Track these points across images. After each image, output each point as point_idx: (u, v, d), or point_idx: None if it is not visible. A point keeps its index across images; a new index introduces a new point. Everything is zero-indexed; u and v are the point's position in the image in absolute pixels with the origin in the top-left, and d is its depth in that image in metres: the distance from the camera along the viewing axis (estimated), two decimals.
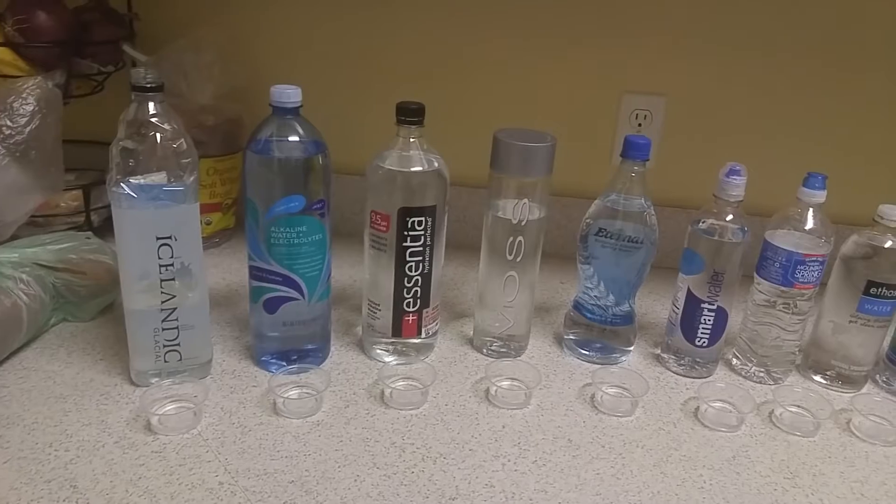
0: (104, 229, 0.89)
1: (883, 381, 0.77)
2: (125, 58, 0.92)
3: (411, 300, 0.72)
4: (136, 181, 0.63)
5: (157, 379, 0.68)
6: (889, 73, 0.91)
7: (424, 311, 0.73)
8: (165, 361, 0.68)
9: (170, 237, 0.65)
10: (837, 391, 0.76)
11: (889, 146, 0.95)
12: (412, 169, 0.69)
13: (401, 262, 0.70)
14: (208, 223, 0.97)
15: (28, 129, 0.82)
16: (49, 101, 0.84)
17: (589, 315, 0.77)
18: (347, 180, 0.93)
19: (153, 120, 0.63)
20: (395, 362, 0.74)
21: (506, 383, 0.72)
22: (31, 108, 0.83)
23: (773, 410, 0.71)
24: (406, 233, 0.69)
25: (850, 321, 0.73)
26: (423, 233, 0.70)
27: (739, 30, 0.92)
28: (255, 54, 0.99)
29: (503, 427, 0.67)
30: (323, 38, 0.99)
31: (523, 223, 0.71)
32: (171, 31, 0.92)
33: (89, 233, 0.81)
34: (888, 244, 0.71)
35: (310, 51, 1.00)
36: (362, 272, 0.74)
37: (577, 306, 0.78)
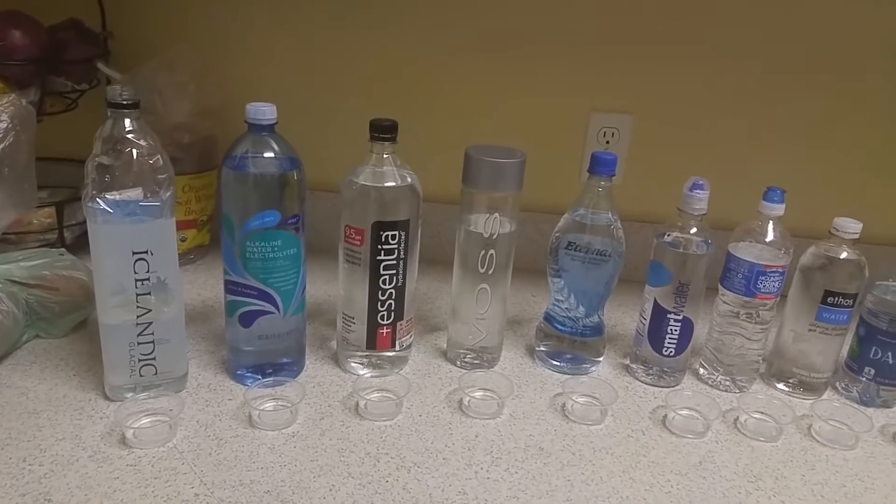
0: (77, 246, 0.89)
1: (842, 387, 0.79)
2: (100, 76, 0.92)
3: (385, 313, 0.73)
4: (112, 196, 0.63)
5: (131, 393, 0.68)
6: (843, 93, 0.96)
7: (398, 323, 0.75)
8: (141, 376, 0.68)
9: (146, 252, 0.65)
10: (799, 398, 0.78)
11: (843, 162, 0.99)
12: (386, 184, 0.70)
13: (375, 276, 0.72)
14: (183, 240, 0.97)
15: (1, 146, 0.83)
16: (23, 119, 0.84)
17: (560, 327, 0.79)
18: (321, 197, 0.94)
19: (129, 136, 0.64)
20: (369, 375, 0.75)
21: (479, 394, 0.73)
22: (5, 125, 0.83)
23: (738, 417, 0.73)
24: (380, 246, 0.70)
25: (810, 330, 0.76)
26: (396, 246, 0.71)
27: (702, 50, 0.96)
28: (229, 73, 1.00)
29: (476, 436, 0.68)
30: (296, 56, 1.01)
31: (494, 237, 0.73)
32: (146, 50, 0.94)
33: (62, 249, 0.81)
34: (843, 255, 0.74)
35: (283, 69, 1.02)
36: (336, 288, 0.75)
37: (548, 318, 0.80)
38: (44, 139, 0.87)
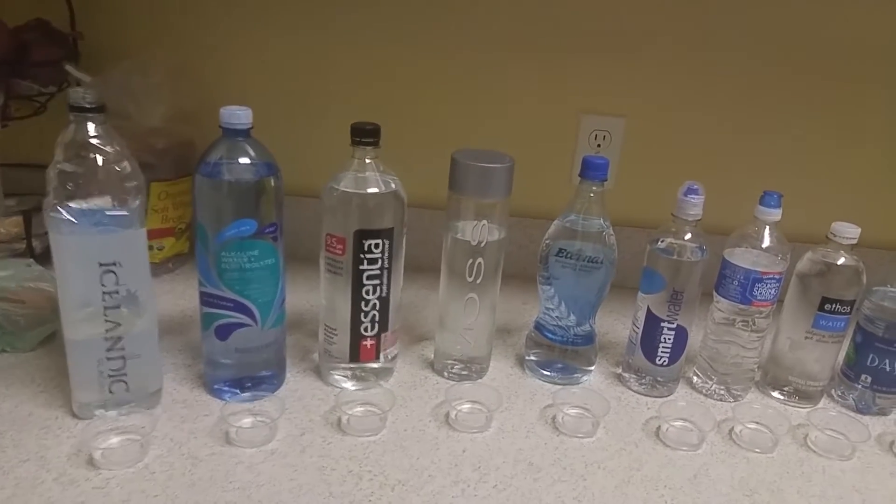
0: (46, 257, 0.84)
1: (838, 395, 0.78)
2: (69, 79, 0.88)
3: (369, 324, 0.70)
4: (78, 206, 0.60)
5: (101, 411, 0.65)
6: (842, 97, 0.93)
7: (383, 335, 0.72)
8: (111, 392, 0.65)
9: (114, 264, 0.62)
10: (795, 406, 0.76)
11: (841, 165, 0.97)
12: (368, 191, 0.67)
13: (357, 286, 0.69)
14: (161, 248, 0.94)
15: None
16: None
17: (550, 336, 0.76)
18: (305, 202, 0.91)
19: (93, 142, 0.60)
20: (353, 388, 0.72)
21: (466, 406, 0.71)
22: None
23: (732, 428, 0.71)
24: (363, 256, 0.68)
25: (806, 337, 0.74)
26: (380, 256, 0.68)
27: (697, 51, 0.93)
28: (205, 75, 0.97)
29: (463, 451, 0.65)
30: (276, 57, 0.97)
31: (482, 245, 0.70)
32: (117, 52, 0.90)
33: (31, 260, 0.78)
34: (841, 261, 0.72)
35: (263, 71, 0.98)
36: (319, 297, 0.72)
37: (539, 327, 0.78)
38: (11, 144, 0.84)
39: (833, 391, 0.78)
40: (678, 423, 0.70)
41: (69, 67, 0.86)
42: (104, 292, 0.62)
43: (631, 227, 0.97)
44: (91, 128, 0.60)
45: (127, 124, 0.87)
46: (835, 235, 0.71)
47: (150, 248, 0.92)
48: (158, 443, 0.63)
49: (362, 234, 0.67)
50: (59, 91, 0.90)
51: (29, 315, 0.73)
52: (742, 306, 0.72)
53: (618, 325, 0.92)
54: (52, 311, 0.73)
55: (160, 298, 0.89)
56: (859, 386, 0.75)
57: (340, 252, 0.68)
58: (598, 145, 0.97)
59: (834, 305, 0.72)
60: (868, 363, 0.74)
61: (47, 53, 0.85)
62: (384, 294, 0.70)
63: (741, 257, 0.72)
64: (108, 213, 0.61)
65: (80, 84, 0.86)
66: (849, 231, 0.71)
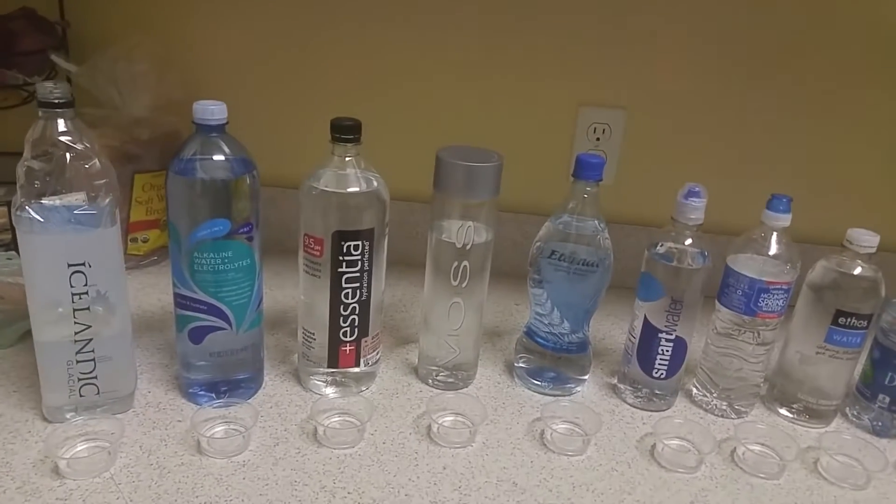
0: None
1: (853, 415, 0.72)
2: (58, 68, 0.87)
3: (348, 329, 0.67)
4: (50, 202, 0.58)
5: (72, 414, 0.63)
6: (859, 93, 0.87)
7: (363, 340, 0.69)
8: (81, 396, 0.63)
9: (83, 264, 0.60)
10: (804, 426, 0.71)
11: (860, 165, 0.90)
12: (348, 190, 0.64)
13: (336, 289, 0.65)
14: (145, 241, 0.92)
15: None
16: None
17: (542, 342, 0.72)
18: (291, 194, 0.88)
19: (62, 139, 0.58)
20: (332, 394, 0.69)
21: (449, 419, 0.67)
22: None
23: (735, 449, 0.66)
24: (342, 258, 0.64)
25: (818, 352, 0.68)
26: (360, 258, 0.65)
27: (704, 41, 0.88)
28: (193, 65, 0.94)
29: (444, 468, 0.62)
30: (267, 45, 0.94)
31: (468, 247, 0.66)
32: (106, 41, 0.87)
33: (12, 253, 0.76)
34: (857, 271, 0.66)
35: (253, 59, 0.95)
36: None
37: (530, 332, 0.74)
38: (0, 133, 0.82)
39: (847, 410, 0.73)
40: (675, 442, 0.66)
41: (55, 57, 0.84)
42: (73, 293, 0.60)
43: (630, 224, 0.92)
44: (61, 124, 0.58)
45: (112, 114, 0.85)
46: (851, 243, 0.66)
47: (135, 240, 0.91)
48: (127, 450, 0.61)
49: (341, 236, 0.64)
50: (44, 80, 0.88)
51: (6, 311, 0.72)
52: (746, 317, 0.67)
53: (615, 329, 0.88)
54: None
55: (143, 292, 0.88)
56: (876, 406, 0.70)
57: (318, 253, 0.65)
58: (597, 139, 0.93)
59: (849, 319, 0.66)
60: (886, 382, 0.69)
61: (34, 42, 0.83)
62: (364, 298, 0.67)
63: (746, 265, 0.67)
64: (76, 211, 0.59)
65: (68, 74, 0.85)
66: (866, 239, 0.65)
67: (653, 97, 0.91)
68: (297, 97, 0.97)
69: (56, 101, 0.57)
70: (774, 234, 0.67)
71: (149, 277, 0.92)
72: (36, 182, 0.58)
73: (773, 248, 0.67)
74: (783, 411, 0.72)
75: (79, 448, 0.60)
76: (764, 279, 0.66)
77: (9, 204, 0.86)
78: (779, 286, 0.66)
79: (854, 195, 0.92)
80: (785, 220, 0.66)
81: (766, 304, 0.66)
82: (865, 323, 0.66)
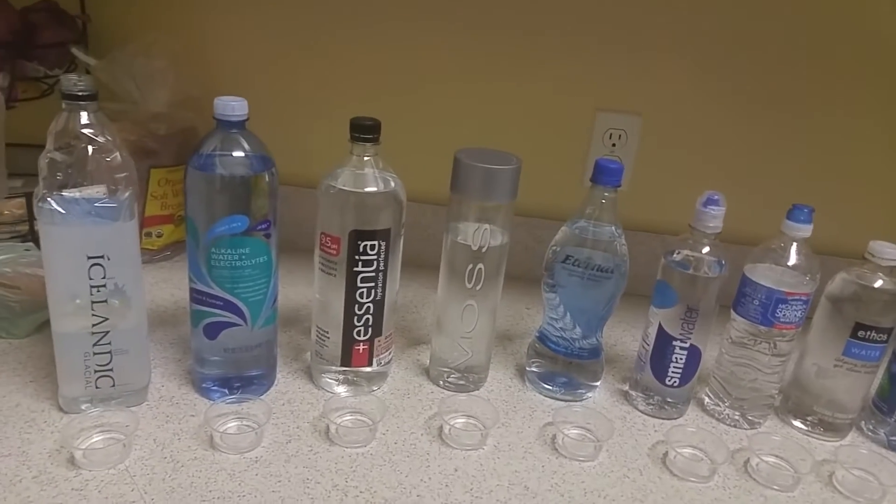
0: None
1: (869, 429, 0.71)
2: (77, 61, 0.87)
3: (362, 328, 0.67)
4: (71, 194, 0.58)
5: (88, 405, 0.64)
6: (883, 100, 0.86)
7: (377, 339, 0.69)
8: (97, 387, 0.64)
9: (102, 256, 0.60)
10: (819, 438, 0.70)
11: (882, 176, 0.89)
12: (366, 189, 0.64)
13: (351, 288, 0.66)
14: (160, 235, 0.92)
15: None
16: None
17: (554, 346, 0.72)
18: (305, 192, 0.88)
19: (85, 131, 0.58)
20: (344, 393, 0.70)
21: (461, 421, 0.67)
22: None
23: (748, 460, 0.66)
24: (357, 257, 0.64)
25: (836, 365, 0.68)
26: (375, 257, 0.65)
27: (723, 46, 0.87)
28: (211, 62, 0.94)
29: (455, 470, 0.62)
30: (281, 46, 0.95)
31: (484, 250, 0.66)
32: (125, 35, 0.88)
33: (30, 244, 0.77)
34: (878, 284, 0.66)
35: (272, 57, 0.95)
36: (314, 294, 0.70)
37: (542, 337, 0.74)
38: (18, 125, 0.83)
39: (863, 424, 0.72)
40: (687, 451, 0.65)
41: (75, 50, 0.85)
42: (91, 286, 0.60)
43: (645, 231, 0.92)
44: (84, 116, 0.58)
45: (130, 109, 0.86)
46: (872, 256, 0.65)
47: (150, 234, 0.92)
48: (141, 443, 0.61)
49: (358, 235, 0.64)
50: (65, 73, 0.89)
51: (24, 301, 0.72)
52: (763, 328, 0.67)
53: (627, 336, 0.87)
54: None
55: (157, 287, 0.88)
56: (892, 420, 0.69)
57: (335, 252, 0.65)
58: (613, 144, 0.92)
59: (869, 333, 0.65)
60: None
61: (54, 35, 0.84)
62: (379, 297, 0.67)
63: (764, 275, 0.66)
64: (97, 204, 0.59)
65: (88, 68, 0.86)
66: (889, 251, 0.65)
67: (669, 104, 0.91)
68: (311, 96, 0.97)
69: (80, 93, 0.58)
70: (794, 244, 0.66)
71: (162, 272, 0.92)
72: (58, 174, 0.58)
73: (793, 259, 0.66)
74: (797, 423, 0.72)
75: (94, 439, 0.61)
76: (783, 290, 0.65)
77: (27, 195, 0.88)
78: (797, 297, 0.65)
79: (876, 207, 0.91)
80: (806, 230, 0.65)
81: (784, 315, 0.66)
82: (885, 336, 0.66)
